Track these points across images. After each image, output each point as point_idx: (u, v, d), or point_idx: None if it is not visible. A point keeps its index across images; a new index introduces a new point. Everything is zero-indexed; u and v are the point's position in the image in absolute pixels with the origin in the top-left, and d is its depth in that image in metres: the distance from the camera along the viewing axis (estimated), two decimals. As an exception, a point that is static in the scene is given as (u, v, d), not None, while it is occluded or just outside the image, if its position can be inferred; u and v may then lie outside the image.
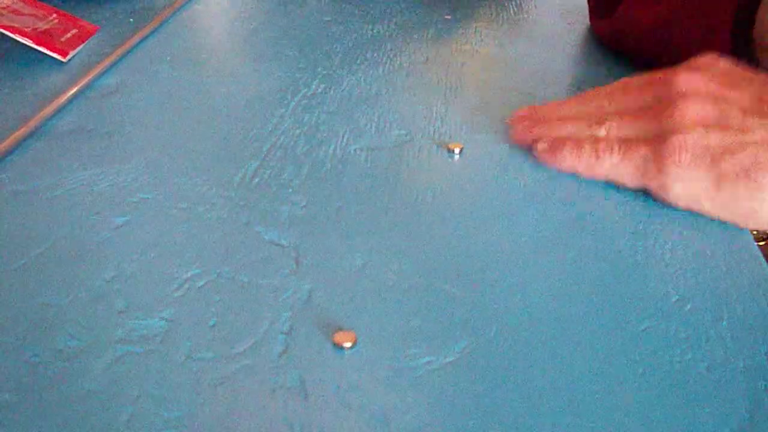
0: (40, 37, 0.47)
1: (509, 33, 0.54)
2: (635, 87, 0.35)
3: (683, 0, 0.44)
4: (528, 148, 0.36)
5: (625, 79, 0.36)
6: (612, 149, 0.33)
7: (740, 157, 0.30)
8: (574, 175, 0.34)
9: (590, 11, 0.56)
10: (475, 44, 0.52)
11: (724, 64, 0.34)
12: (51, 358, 0.23)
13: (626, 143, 0.33)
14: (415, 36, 0.53)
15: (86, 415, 0.21)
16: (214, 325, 0.25)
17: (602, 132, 0.34)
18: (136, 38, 0.50)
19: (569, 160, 0.34)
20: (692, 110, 0.31)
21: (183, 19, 0.57)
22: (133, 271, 0.27)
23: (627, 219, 0.31)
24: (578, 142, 0.34)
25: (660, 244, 0.30)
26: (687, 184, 0.31)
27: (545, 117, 0.37)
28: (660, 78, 0.34)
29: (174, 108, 0.41)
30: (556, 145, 0.35)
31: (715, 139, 0.30)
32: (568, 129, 0.35)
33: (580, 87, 0.44)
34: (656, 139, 0.32)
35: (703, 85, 0.32)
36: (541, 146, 0.35)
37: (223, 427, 0.21)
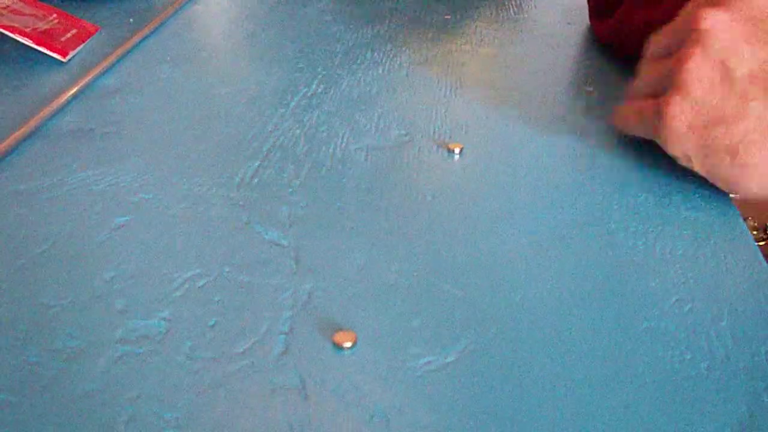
0: (40, 37, 0.47)
1: (509, 33, 0.54)
2: (668, 29, 0.35)
3: (683, 1, 0.44)
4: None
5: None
6: (635, 110, 0.35)
7: (732, 130, 0.30)
8: (574, 175, 0.34)
9: (590, 12, 0.55)
10: (475, 44, 0.52)
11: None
12: (50, 359, 0.23)
13: (644, 101, 0.34)
14: (415, 36, 0.53)
15: (86, 415, 0.21)
16: (214, 325, 0.24)
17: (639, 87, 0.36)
18: (136, 38, 0.50)
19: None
20: (697, 68, 0.31)
21: (183, 19, 0.57)
22: (133, 271, 0.27)
23: (627, 219, 0.31)
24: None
25: (660, 244, 0.30)
26: (681, 145, 0.32)
27: None
28: (686, 13, 0.33)
29: (174, 108, 0.41)
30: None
31: (712, 103, 0.30)
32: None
33: (579, 87, 0.44)
34: (663, 95, 0.32)
35: (722, 30, 0.31)
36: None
37: (223, 427, 0.21)
